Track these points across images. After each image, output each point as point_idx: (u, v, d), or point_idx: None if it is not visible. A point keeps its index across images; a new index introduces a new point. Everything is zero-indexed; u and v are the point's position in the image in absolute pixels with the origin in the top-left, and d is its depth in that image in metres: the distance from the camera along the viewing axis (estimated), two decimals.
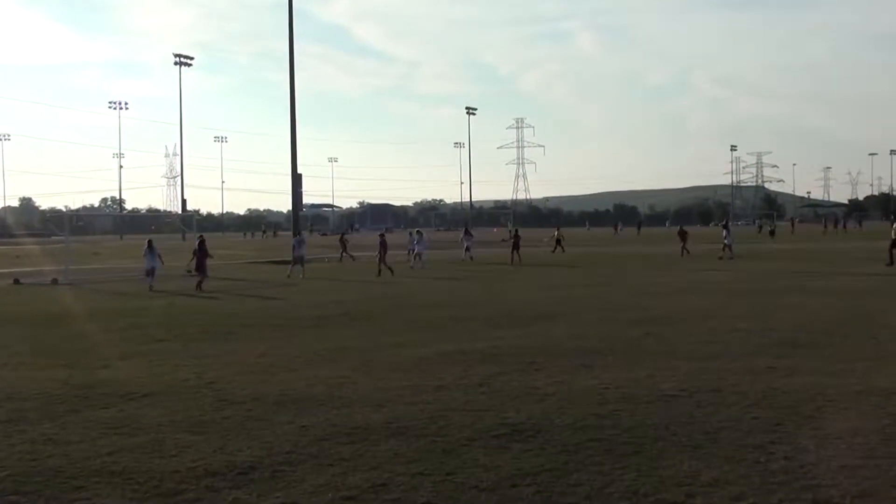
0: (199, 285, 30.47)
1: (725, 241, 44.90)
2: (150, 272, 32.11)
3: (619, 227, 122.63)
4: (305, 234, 57.82)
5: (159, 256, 32.99)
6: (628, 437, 8.37)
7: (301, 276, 35.60)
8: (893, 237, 35.30)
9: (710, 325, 17.06)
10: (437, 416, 9.42)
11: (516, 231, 49.83)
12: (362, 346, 15.14)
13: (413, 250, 43.77)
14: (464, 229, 54.74)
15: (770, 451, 7.82)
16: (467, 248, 48.65)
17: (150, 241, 33.48)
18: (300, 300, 25.63)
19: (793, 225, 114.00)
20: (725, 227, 47.75)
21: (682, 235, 50.08)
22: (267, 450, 8.20)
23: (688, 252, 47.25)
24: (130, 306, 24.66)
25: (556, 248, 55.26)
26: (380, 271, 36.36)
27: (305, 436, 8.68)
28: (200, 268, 31.77)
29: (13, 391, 11.46)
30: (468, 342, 15.39)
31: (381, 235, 40.05)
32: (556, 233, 59.22)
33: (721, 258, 42.67)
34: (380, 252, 37.81)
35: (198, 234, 37.14)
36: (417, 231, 47.44)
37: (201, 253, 32.07)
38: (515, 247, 45.83)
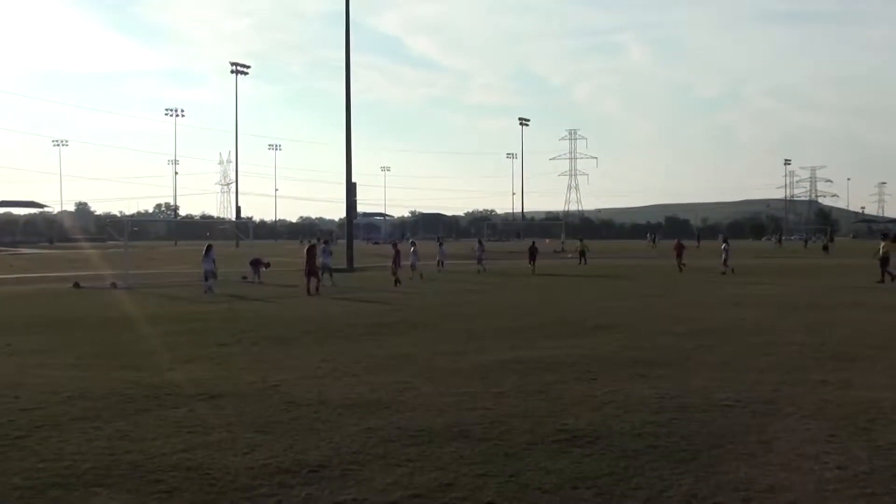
0: (316, 288, 31.87)
1: (723, 256, 44.46)
2: (209, 276, 32.95)
3: (656, 239, 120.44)
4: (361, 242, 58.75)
5: (213, 261, 33.84)
6: (685, 445, 8.58)
7: (331, 284, 35.95)
8: (881, 255, 35.16)
9: (762, 339, 17.13)
10: (497, 421, 9.69)
11: (533, 242, 54.14)
12: (421, 354, 15.44)
13: (441, 259, 47.83)
14: (478, 241, 57.99)
15: (824, 461, 7.99)
16: (479, 260, 49.81)
17: (209, 247, 34.34)
18: (352, 308, 26.06)
19: (832, 239, 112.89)
20: (725, 241, 47.17)
21: (679, 250, 48.55)
22: (335, 450, 8.52)
23: (684, 265, 46.62)
24: (190, 310, 25.27)
25: (581, 260, 57.92)
26: (395, 281, 36.82)
27: (372, 437, 8.99)
28: (311, 272, 32.62)
29: (85, 390, 11.88)
30: (524, 350, 15.65)
31: (394, 245, 41.40)
32: (579, 244, 62.13)
33: (724, 273, 42.25)
34: (394, 261, 38.65)
35: (309, 241, 38.18)
36: (428, 240, 51.07)
37: (309, 258, 32.88)
38: (532, 257, 49.06)
